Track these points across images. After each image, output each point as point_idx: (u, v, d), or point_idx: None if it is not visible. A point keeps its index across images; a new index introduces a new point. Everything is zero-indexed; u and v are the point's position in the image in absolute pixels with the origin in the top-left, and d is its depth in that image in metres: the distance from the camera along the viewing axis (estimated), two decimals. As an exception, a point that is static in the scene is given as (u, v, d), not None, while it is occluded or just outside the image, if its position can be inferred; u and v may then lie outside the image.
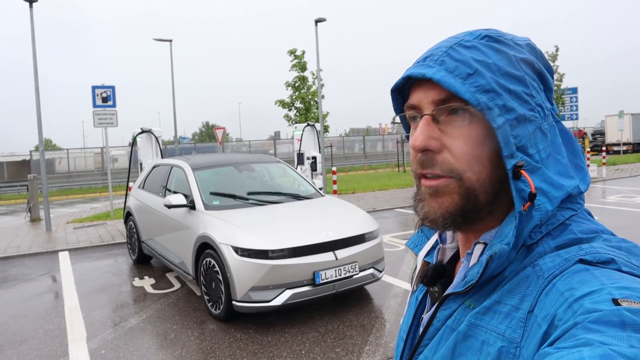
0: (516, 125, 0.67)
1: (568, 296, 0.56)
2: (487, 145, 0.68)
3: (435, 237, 0.87)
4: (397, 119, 0.81)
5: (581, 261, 0.61)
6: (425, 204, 0.72)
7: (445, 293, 0.75)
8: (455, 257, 0.84)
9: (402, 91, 0.78)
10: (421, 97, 0.71)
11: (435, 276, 0.79)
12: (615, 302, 0.52)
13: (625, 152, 33.30)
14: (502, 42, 0.71)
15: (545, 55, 0.74)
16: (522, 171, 0.66)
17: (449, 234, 0.85)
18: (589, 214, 0.73)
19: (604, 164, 19.31)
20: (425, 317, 0.80)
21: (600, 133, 38.56)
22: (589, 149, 21.57)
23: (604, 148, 21.60)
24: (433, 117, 0.70)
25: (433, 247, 0.87)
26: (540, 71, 0.72)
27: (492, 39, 0.71)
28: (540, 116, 0.69)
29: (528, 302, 0.62)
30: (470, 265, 0.72)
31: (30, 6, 11.89)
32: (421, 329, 0.79)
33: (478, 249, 0.71)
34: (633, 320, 0.50)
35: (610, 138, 35.38)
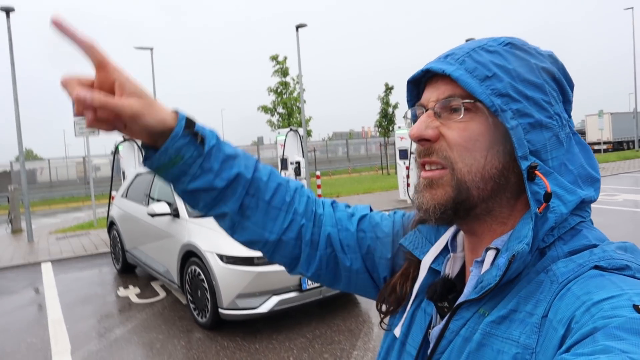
0: (530, 130, 0.68)
1: (585, 299, 0.56)
2: (482, 142, 0.69)
3: (442, 243, 0.84)
4: (409, 114, 0.83)
5: (596, 267, 0.61)
6: (421, 195, 0.74)
7: (458, 302, 0.73)
8: (461, 271, 0.82)
9: (417, 84, 0.80)
10: (429, 95, 0.74)
11: (444, 291, 0.77)
12: (636, 308, 0.51)
13: (605, 150, 33.85)
14: (524, 50, 0.72)
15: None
16: (537, 172, 0.67)
17: (459, 241, 0.83)
18: (592, 223, 0.74)
19: (584, 163, 19.53)
20: (434, 331, 0.76)
21: (581, 132, 39.10)
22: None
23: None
24: (435, 113, 0.72)
25: (440, 254, 0.84)
26: (560, 82, 0.73)
27: (515, 46, 0.72)
28: (558, 124, 0.70)
29: (542, 307, 0.61)
30: (483, 272, 0.70)
31: (7, 16, 11.73)
32: (431, 344, 0.76)
33: (490, 254, 0.71)
34: None
35: (590, 137, 35.93)
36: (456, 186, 0.70)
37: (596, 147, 34.18)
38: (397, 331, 0.85)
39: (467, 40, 0.80)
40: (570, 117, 0.74)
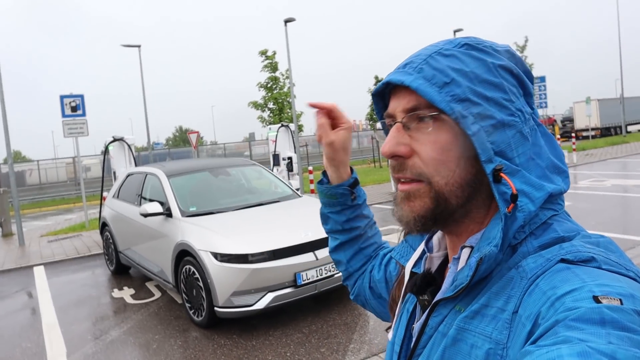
0: (493, 131, 0.69)
1: (550, 295, 0.57)
2: (454, 151, 0.70)
3: (421, 247, 0.87)
4: (379, 126, 0.85)
5: (562, 260, 0.62)
6: (400, 207, 0.75)
7: (435, 299, 0.75)
8: (443, 266, 0.84)
9: (382, 95, 0.81)
10: (395, 105, 0.75)
11: (424, 284, 0.80)
12: (596, 299, 0.53)
13: (593, 137, 34.13)
14: (480, 49, 0.73)
15: (515, 47, 0.76)
16: (502, 174, 0.67)
17: (435, 242, 0.86)
18: (568, 215, 0.75)
19: (574, 149, 19.69)
20: (417, 326, 0.80)
21: (569, 119, 39.42)
22: (559, 136, 22.00)
23: (573, 134, 22.04)
24: (404, 125, 0.73)
25: (420, 257, 0.87)
26: (519, 77, 0.74)
27: (471, 47, 0.73)
28: (521, 120, 0.71)
29: (513, 303, 0.63)
30: (458, 269, 0.72)
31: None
32: (413, 339, 0.79)
33: (465, 252, 0.73)
34: (612, 318, 0.50)
35: (579, 124, 36.20)
36: (434, 198, 0.72)
37: (584, 134, 34.44)
38: (390, 335, 0.90)
39: (454, 32, 0.81)
40: (533, 109, 0.75)
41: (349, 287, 1.21)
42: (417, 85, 0.69)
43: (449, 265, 0.78)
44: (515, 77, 0.73)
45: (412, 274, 0.87)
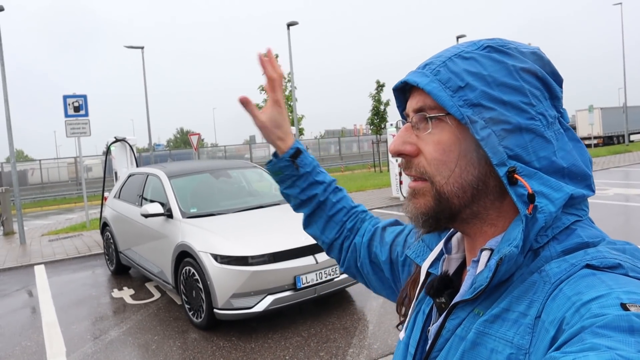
0: (506, 135, 0.68)
1: (575, 300, 0.56)
2: (455, 152, 0.70)
3: (439, 248, 0.86)
4: (400, 124, 0.89)
5: (588, 266, 0.61)
6: (407, 203, 0.78)
7: (453, 302, 0.74)
8: (460, 268, 0.83)
9: (404, 92, 0.82)
10: (409, 105, 0.78)
11: (441, 287, 0.79)
12: (624, 306, 0.52)
13: (596, 145, 34.11)
14: (503, 52, 0.72)
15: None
16: (516, 175, 0.67)
17: (454, 243, 0.85)
18: (592, 221, 0.73)
19: (575, 158, 19.67)
20: (433, 328, 0.78)
21: (571, 127, 39.37)
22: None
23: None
24: (413, 125, 0.75)
25: (437, 258, 0.86)
26: (544, 80, 0.72)
27: (493, 49, 0.72)
28: (542, 124, 0.70)
29: (535, 308, 0.62)
30: (477, 273, 0.71)
31: (-4, 16, 11.65)
32: (429, 341, 0.78)
33: (485, 255, 0.71)
34: None
35: (581, 132, 36.16)
36: (436, 197, 0.73)
37: (587, 142, 34.39)
38: (402, 334, 0.88)
39: (457, 38, 0.82)
40: (560, 113, 0.74)
41: (335, 259, 1.24)
42: (430, 88, 0.71)
43: (467, 267, 0.78)
44: (540, 80, 0.72)
45: (427, 274, 0.85)
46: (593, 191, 0.73)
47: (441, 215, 0.74)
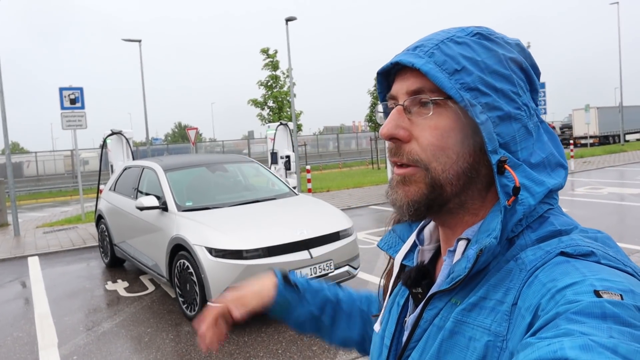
0: (499, 123, 0.68)
1: (550, 287, 0.57)
2: (453, 138, 0.69)
3: (412, 239, 0.86)
4: (380, 108, 0.82)
5: (562, 253, 0.62)
6: (395, 191, 0.74)
7: (430, 292, 0.74)
8: (434, 259, 0.83)
9: (387, 76, 0.79)
10: (398, 88, 0.73)
11: (419, 277, 0.78)
12: (597, 293, 0.53)
13: (592, 144, 34.21)
14: (492, 40, 0.72)
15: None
16: (506, 166, 0.67)
17: (426, 235, 0.85)
18: (561, 209, 0.74)
19: (572, 157, 19.75)
20: (410, 319, 0.78)
21: (568, 127, 39.53)
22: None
23: (571, 141, 22.10)
24: (405, 108, 0.71)
25: (410, 250, 0.86)
26: (527, 71, 0.73)
27: (483, 36, 0.72)
28: (526, 115, 0.71)
29: (512, 295, 0.62)
30: (454, 262, 0.71)
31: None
32: (406, 333, 0.78)
33: (461, 245, 0.71)
34: (614, 312, 0.50)
35: (577, 131, 36.27)
36: (430, 184, 0.70)
37: (583, 141, 34.51)
38: (377, 327, 0.88)
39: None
40: (537, 105, 0.75)
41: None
42: (427, 69, 0.68)
43: (443, 257, 0.77)
44: (524, 71, 0.72)
45: (402, 266, 0.85)
46: (565, 181, 0.74)
47: (433, 203, 0.72)
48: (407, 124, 0.71)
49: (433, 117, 0.69)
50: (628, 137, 36.83)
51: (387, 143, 0.75)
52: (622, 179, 15.73)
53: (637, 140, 38.31)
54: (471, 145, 0.69)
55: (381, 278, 0.94)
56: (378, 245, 0.92)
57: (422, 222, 0.86)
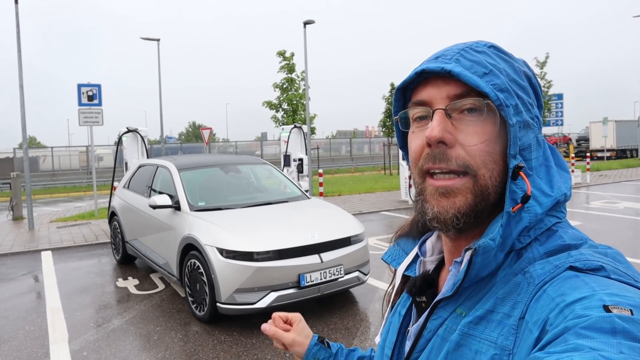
0: (522, 127, 0.69)
1: (559, 301, 0.56)
2: (499, 144, 0.69)
3: (414, 252, 0.87)
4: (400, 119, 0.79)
5: (571, 268, 0.62)
6: (435, 204, 0.70)
7: (435, 300, 0.74)
8: (437, 270, 0.84)
9: (404, 91, 0.77)
10: (433, 93, 0.71)
11: (423, 285, 0.79)
12: (606, 308, 0.52)
13: (609, 158, 33.80)
14: (506, 54, 0.74)
15: (535, 62, 0.79)
16: (522, 173, 0.67)
17: (428, 247, 0.85)
18: (569, 223, 0.75)
19: (588, 169, 19.54)
20: (413, 329, 0.78)
21: (584, 139, 39.09)
22: (573, 155, 21.84)
23: (588, 154, 21.87)
24: (446, 113, 0.69)
25: (413, 262, 0.86)
26: (535, 87, 0.75)
27: (497, 49, 0.74)
28: (537, 127, 0.73)
29: (519, 309, 0.62)
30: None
31: (16, 2, 11.73)
32: (408, 342, 0.78)
33: (468, 255, 0.70)
34: (624, 328, 0.50)
35: (594, 144, 35.89)
36: (478, 193, 0.68)
37: (599, 154, 34.14)
38: (377, 338, 0.90)
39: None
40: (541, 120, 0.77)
41: None
42: (459, 71, 0.67)
43: (449, 268, 0.76)
44: (533, 86, 0.75)
45: (404, 277, 0.86)
46: (570, 193, 0.74)
47: (482, 213, 0.69)
48: (451, 128, 0.69)
49: (478, 122, 0.68)
50: (646, 151, 36.38)
51: (426, 151, 0.71)
52: (639, 193, 15.52)
53: (655, 154, 37.80)
54: (502, 150, 0.69)
55: (386, 291, 0.95)
56: (382, 258, 0.93)
57: (425, 235, 0.87)
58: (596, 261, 0.61)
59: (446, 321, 0.71)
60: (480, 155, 0.67)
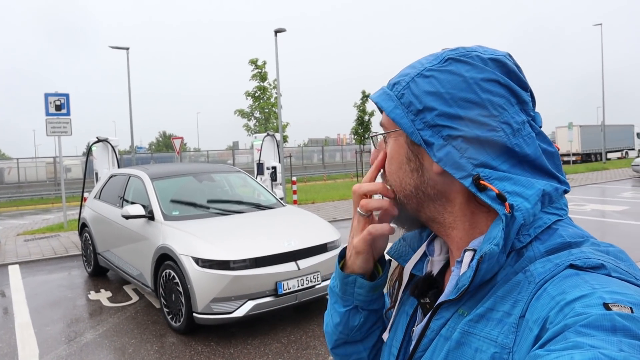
0: (467, 147, 0.69)
1: (559, 300, 0.57)
2: (398, 161, 0.78)
3: (422, 249, 0.87)
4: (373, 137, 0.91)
5: (572, 266, 0.62)
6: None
7: (437, 302, 0.74)
8: (444, 270, 0.84)
9: None
10: (382, 116, 0.83)
11: (425, 287, 0.79)
12: (606, 306, 0.52)
13: (574, 162, 34.72)
14: (464, 62, 0.71)
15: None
16: (482, 181, 0.68)
17: (436, 246, 0.85)
18: (571, 220, 0.74)
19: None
20: (417, 329, 0.79)
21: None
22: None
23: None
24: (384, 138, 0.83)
25: (420, 260, 0.86)
26: (507, 86, 0.71)
27: (454, 60, 0.72)
28: (506, 134, 0.69)
29: (520, 308, 0.62)
30: (461, 273, 0.71)
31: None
32: (413, 342, 0.79)
33: (468, 255, 0.71)
34: (624, 325, 0.50)
35: (560, 149, 36.78)
36: (397, 201, 0.81)
37: (565, 159, 34.99)
38: (385, 335, 0.89)
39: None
40: (530, 116, 0.73)
41: None
42: (394, 115, 0.76)
43: (451, 268, 0.78)
44: (503, 86, 0.71)
45: (411, 275, 0.86)
46: (567, 186, 0.74)
47: (405, 219, 0.83)
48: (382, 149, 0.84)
49: (387, 145, 0.81)
50: (609, 155, 37.45)
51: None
52: (604, 196, 15.96)
53: (618, 158, 38.98)
54: (414, 168, 0.76)
55: (387, 287, 0.94)
56: (387, 253, 0.92)
57: (433, 233, 0.87)
58: (597, 259, 0.62)
59: (449, 321, 0.71)
60: (388, 172, 0.81)
